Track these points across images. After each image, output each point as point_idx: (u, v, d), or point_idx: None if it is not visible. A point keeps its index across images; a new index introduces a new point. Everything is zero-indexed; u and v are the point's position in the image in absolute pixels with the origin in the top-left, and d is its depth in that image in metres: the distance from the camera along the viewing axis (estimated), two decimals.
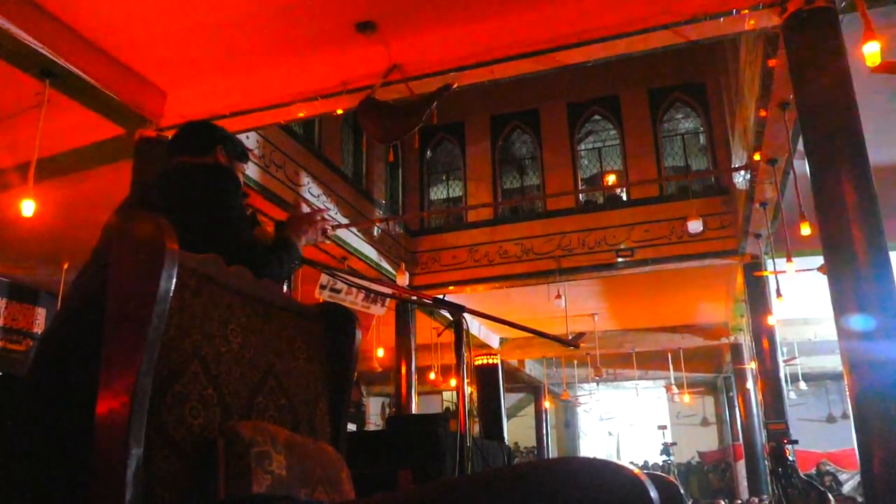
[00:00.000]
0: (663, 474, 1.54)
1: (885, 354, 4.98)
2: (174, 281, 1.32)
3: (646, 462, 21.62)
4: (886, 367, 4.94)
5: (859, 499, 10.09)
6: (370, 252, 11.05)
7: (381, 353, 11.67)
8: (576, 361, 17.58)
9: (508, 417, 21.25)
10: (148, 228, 1.33)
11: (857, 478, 15.56)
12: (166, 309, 1.32)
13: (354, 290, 7.17)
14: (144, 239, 1.32)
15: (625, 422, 24.88)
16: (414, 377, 11.43)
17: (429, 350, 14.76)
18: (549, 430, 22.07)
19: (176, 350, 1.41)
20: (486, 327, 16.78)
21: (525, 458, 22.76)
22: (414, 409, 11.05)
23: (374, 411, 20.77)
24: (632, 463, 22.64)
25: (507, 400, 20.65)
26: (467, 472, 2.31)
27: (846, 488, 15.83)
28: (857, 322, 5.10)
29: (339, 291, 7.26)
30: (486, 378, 4.22)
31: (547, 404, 20.72)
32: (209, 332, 1.52)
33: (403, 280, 9.62)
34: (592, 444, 25.68)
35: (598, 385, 20.22)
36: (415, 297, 2.92)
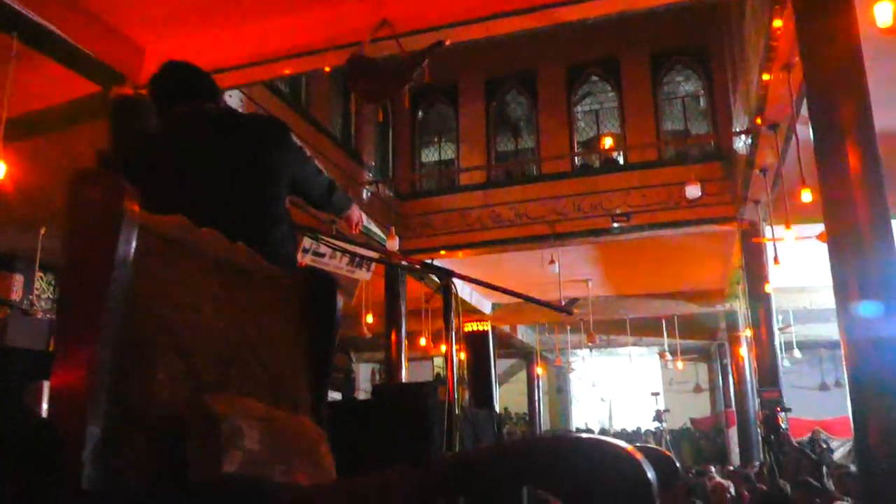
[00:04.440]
0: (659, 448, 1.43)
1: (885, 325, 4.93)
2: (134, 245, 1.19)
3: (638, 428, 21.77)
4: (885, 338, 4.89)
5: (851, 466, 10.15)
6: None
7: (370, 319, 11.58)
8: (569, 328, 17.56)
9: (500, 383, 21.32)
10: (104, 189, 1.20)
11: (849, 445, 15.70)
12: (127, 276, 1.20)
13: (339, 254, 6.99)
14: (99, 201, 1.19)
15: (617, 388, 25.01)
16: (404, 343, 11.35)
17: (419, 315, 14.72)
18: (541, 395, 22.17)
19: (141, 320, 1.29)
20: (478, 293, 16.70)
21: (516, 425, 22.93)
22: (404, 376, 11.01)
23: (364, 377, 20.76)
24: (624, 431, 22.84)
25: (498, 366, 20.71)
26: (455, 443, 2.22)
27: (837, 455, 15.96)
28: (857, 292, 5.04)
29: (322, 255, 7.09)
30: (476, 345, 4.14)
31: (539, 370, 20.77)
32: (179, 302, 1.40)
33: (394, 244, 9.49)
34: (585, 410, 25.83)
35: (591, 351, 20.27)
36: (402, 262, 2.81)
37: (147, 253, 1.31)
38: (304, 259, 7.11)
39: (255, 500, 1.03)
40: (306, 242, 6.82)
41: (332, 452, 1.57)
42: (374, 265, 7.56)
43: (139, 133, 2.21)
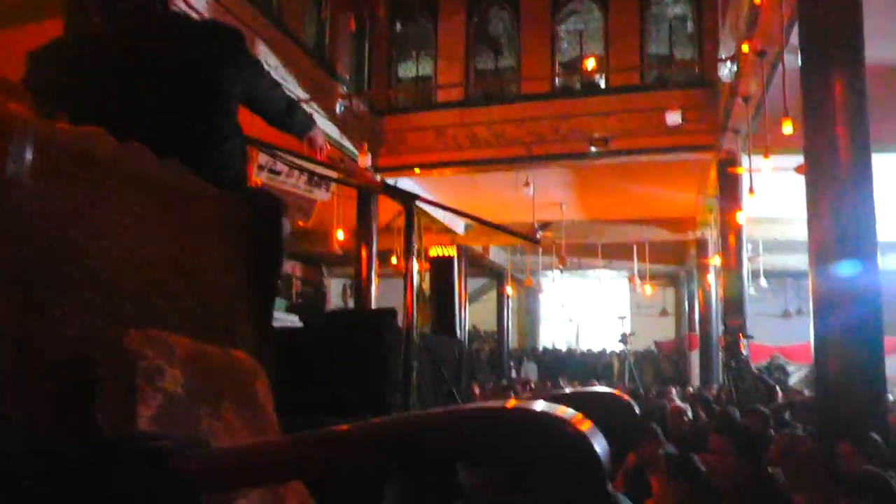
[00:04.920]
0: (618, 393, 1.33)
1: (854, 258, 4.96)
2: (28, 162, 1.03)
3: (603, 349, 22.25)
4: (853, 271, 4.93)
5: (806, 392, 10.47)
6: (331, 130, 10.53)
7: (340, 235, 11.43)
8: (541, 250, 17.57)
9: (470, 302, 21.50)
10: None
11: (805, 371, 16.20)
12: (20, 198, 1.03)
13: (296, 172, 6.67)
14: None
15: (586, 310, 25.43)
16: (375, 261, 11.24)
17: (392, 233, 14.59)
18: (511, 315, 22.44)
19: (43, 248, 1.14)
20: (452, 211, 16.57)
21: (485, 343, 23.30)
22: (374, 294, 10.94)
23: (336, 292, 20.76)
24: (589, 351, 23.33)
25: (469, 285, 20.82)
26: (413, 376, 2.12)
27: (793, 380, 16.50)
28: (831, 226, 5.04)
29: (278, 173, 6.76)
30: (441, 270, 4.05)
31: (509, 290, 20.94)
32: (94, 227, 1.24)
33: (365, 161, 9.24)
34: (552, 330, 26.31)
35: (561, 273, 20.41)
36: (362, 183, 2.66)
37: (52, 171, 1.15)
38: (260, 177, 6.81)
39: (152, 465, 0.91)
40: (262, 159, 6.50)
41: (272, 389, 1.46)
42: (333, 185, 7.25)
43: (73, 33, 1.97)
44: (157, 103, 1.73)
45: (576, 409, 1.43)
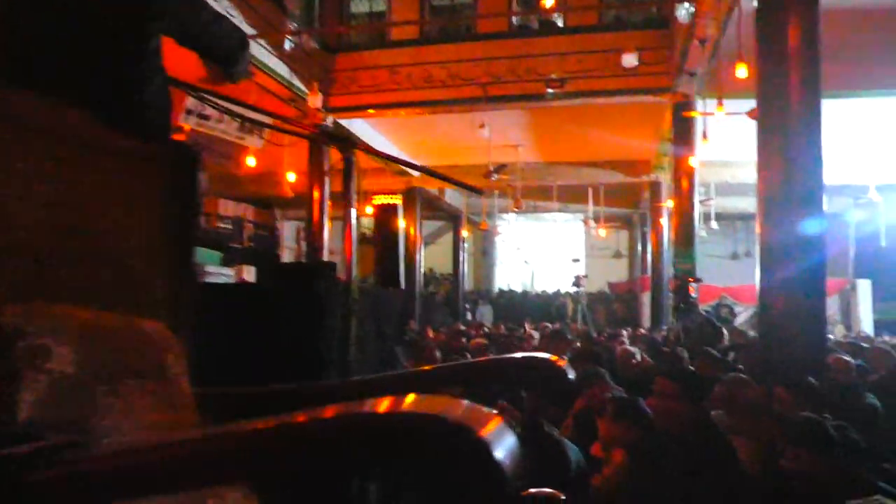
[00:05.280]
0: (554, 359, 1.26)
1: (800, 202, 5.01)
2: None
3: (558, 290, 22.53)
4: (799, 214, 4.99)
5: (751, 332, 10.75)
6: (280, 68, 10.14)
7: (291, 177, 11.15)
8: (496, 192, 17.54)
9: (426, 245, 21.44)
10: None
11: (751, 311, 16.67)
12: None
13: (227, 117, 6.30)
14: None
15: (540, 252, 25.64)
16: (327, 203, 11.01)
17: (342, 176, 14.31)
18: (467, 257, 22.50)
19: None
20: (407, 153, 16.35)
21: (441, 285, 23.38)
22: (327, 237, 10.74)
23: (289, 235, 20.46)
24: (544, 293, 23.57)
25: (425, 227, 20.74)
26: (351, 334, 2.03)
27: (740, 319, 16.96)
28: (780, 170, 5.08)
29: (208, 119, 6.37)
30: (385, 219, 3.91)
31: (465, 233, 20.93)
32: None
33: (316, 101, 8.93)
34: (508, 272, 26.51)
35: (517, 216, 20.44)
36: (296, 129, 2.51)
37: None
38: (188, 123, 6.40)
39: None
40: (190, 103, 6.08)
41: (193, 355, 1.36)
42: (266, 131, 6.89)
43: None
44: (68, 40, 1.56)
45: (513, 375, 1.37)
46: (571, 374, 1.11)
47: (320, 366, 2.03)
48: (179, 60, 2.07)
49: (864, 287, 17.99)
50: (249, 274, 17.26)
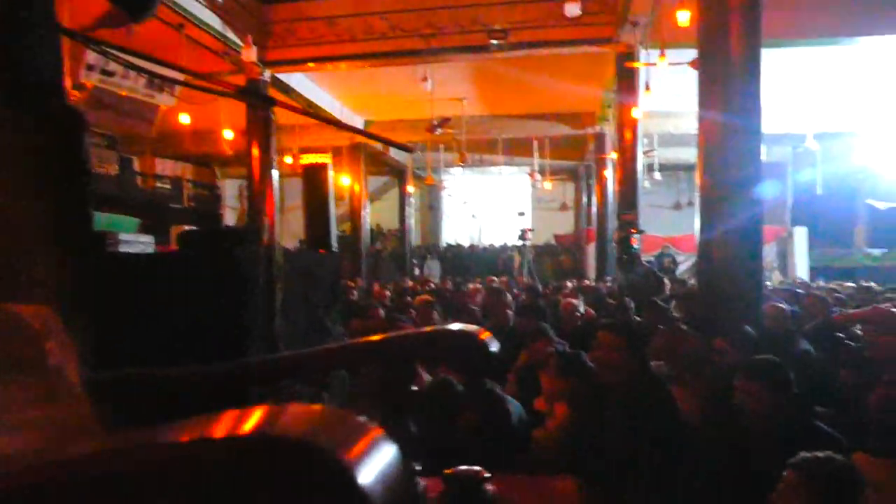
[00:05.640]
0: (471, 329, 1.16)
1: (739, 151, 5.04)
2: None
3: (504, 244, 22.62)
4: (738, 164, 5.02)
5: (691, 280, 10.97)
6: (212, 20, 9.68)
7: (229, 134, 10.76)
8: (442, 146, 17.36)
9: (372, 200, 21.19)
10: None
11: (693, 260, 17.07)
12: None
13: (134, 73, 5.83)
14: None
15: (487, 206, 25.66)
16: (274, 159, 10.63)
17: (286, 131, 13.94)
18: (413, 212, 22.36)
19: None
20: (349, 108, 16.00)
21: (387, 240, 23.23)
22: (270, 195, 10.44)
23: (231, 194, 19.92)
24: (491, 246, 23.67)
25: (371, 183, 20.46)
26: (276, 305, 1.91)
27: (682, 269, 17.34)
28: (720, 119, 5.08)
29: (112, 74, 5.89)
30: (314, 179, 3.70)
31: (411, 188, 20.75)
32: None
33: (251, 54, 8.56)
34: (455, 227, 26.50)
35: (463, 170, 20.33)
36: (213, 86, 2.34)
37: None
38: (90, 79, 5.89)
39: None
40: (91, 57, 5.54)
41: (71, 345, 1.22)
42: (178, 88, 6.43)
43: None
44: None
45: (432, 350, 1.28)
46: (494, 347, 1.03)
47: (243, 340, 1.90)
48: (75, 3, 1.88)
49: (801, 234, 18.55)
50: None
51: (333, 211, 2.62)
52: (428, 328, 1.09)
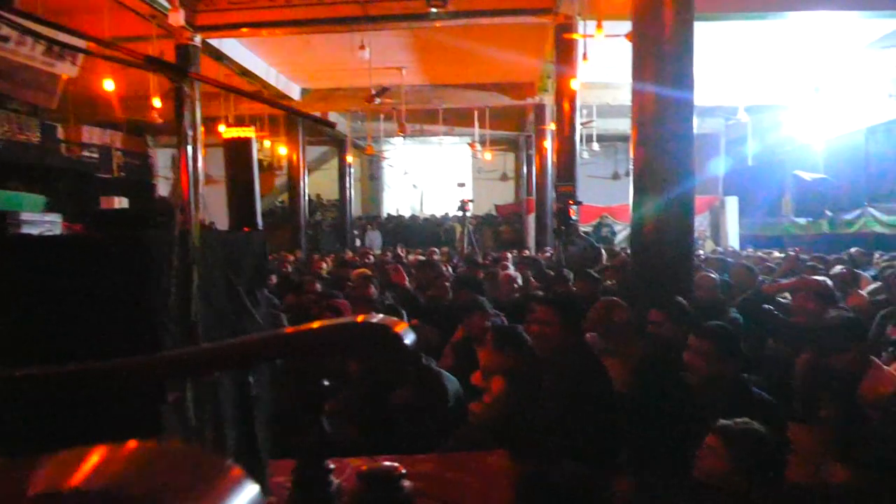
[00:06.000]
0: (385, 322, 1.11)
1: (672, 123, 5.09)
2: None
3: (446, 214, 22.63)
4: (671, 135, 5.08)
5: (627, 250, 11.16)
6: None
7: (157, 102, 10.36)
8: (382, 116, 17.14)
9: (311, 171, 20.84)
10: None
11: (629, 230, 17.42)
12: None
13: (31, 39, 5.40)
14: None
15: (428, 176, 25.56)
16: (200, 130, 10.31)
17: (219, 98, 13.54)
18: (353, 183, 22.11)
19: None
20: (285, 76, 15.60)
21: (327, 211, 22.94)
22: (201, 167, 10.10)
23: (164, 164, 19.24)
24: (433, 217, 23.62)
25: (309, 153, 20.11)
26: (192, 294, 1.80)
27: (619, 238, 17.65)
28: (652, 90, 5.12)
29: (6, 40, 5.46)
30: (237, 154, 3.51)
31: (350, 158, 20.47)
32: None
33: (178, 18, 8.18)
34: (396, 197, 26.34)
35: (403, 140, 20.14)
36: (119, 55, 2.20)
37: None
38: None
39: None
40: None
41: None
42: (82, 57, 5.98)
43: None
44: None
45: (341, 345, 1.22)
46: (409, 340, 0.98)
47: (154, 332, 1.78)
48: None
49: (732, 204, 19.09)
50: (121, 206, 16.27)
51: (258, 186, 2.50)
52: (340, 320, 1.03)
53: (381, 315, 1.07)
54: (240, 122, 14.01)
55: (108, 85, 9.50)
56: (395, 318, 1.05)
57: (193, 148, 2.07)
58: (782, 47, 13.28)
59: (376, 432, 3.21)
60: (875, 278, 7.07)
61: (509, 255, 11.44)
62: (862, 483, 2.20)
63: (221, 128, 11.18)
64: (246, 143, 2.62)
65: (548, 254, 11.93)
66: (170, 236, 1.90)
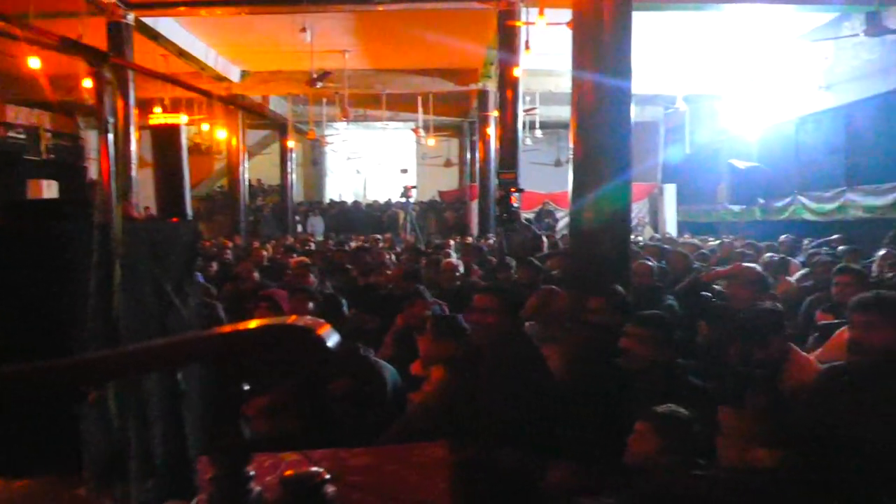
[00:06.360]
0: (306, 324, 1.07)
1: (610, 111, 5.15)
2: None
3: (388, 200, 22.48)
4: (610, 123, 5.13)
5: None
6: None
7: (88, 82, 9.95)
8: (324, 100, 16.88)
9: (251, 155, 20.42)
10: None
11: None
12: None
13: None
14: None
15: (372, 162, 25.33)
16: (133, 111, 9.95)
17: (154, 80, 13.10)
18: (295, 168, 21.75)
19: None
20: (224, 58, 15.21)
21: (268, 196, 22.54)
22: (134, 150, 9.79)
23: (96, 146, 18.57)
24: (376, 202, 23.47)
25: (250, 137, 19.70)
26: (114, 293, 1.72)
27: (561, 224, 17.83)
28: (592, 78, 5.16)
29: None
30: (164, 141, 3.34)
31: (292, 143, 20.12)
32: None
33: None
34: (339, 183, 26.05)
35: (347, 125, 19.90)
36: (31, 36, 2.06)
37: None
38: None
39: None
40: None
41: None
42: None
43: None
44: None
45: (257, 350, 1.17)
46: (331, 342, 0.95)
47: (69, 333, 1.68)
48: None
49: (670, 191, 19.52)
50: (51, 189, 15.56)
51: (188, 175, 2.42)
52: (261, 322, 0.99)
53: (307, 317, 1.02)
54: (176, 105, 13.62)
55: (34, 63, 9.08)
56: (320, 320, 1.01)
57: (115, 135, 1.98)
58: (719, 38, 13.59)
59: (314, 425, 3.16)
60: (804, 264, 7.32)
61: (452, 243, 11.45)
62: (784, 467, 2.27)
63: (158, 109, 10.84)
64: (174, 129, 2.53)
65: (491, 241, 11.99)
66: (90, 228, 1.81)
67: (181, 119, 2.61)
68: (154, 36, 11.73)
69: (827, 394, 2.60)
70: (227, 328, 1.00)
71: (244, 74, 16.21)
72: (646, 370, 3.16)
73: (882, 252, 6.76)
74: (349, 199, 24.61)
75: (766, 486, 2.23)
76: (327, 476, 1.13)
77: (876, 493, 2.11)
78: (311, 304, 4.24)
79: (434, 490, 2.12)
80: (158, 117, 2.56)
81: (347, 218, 21.39)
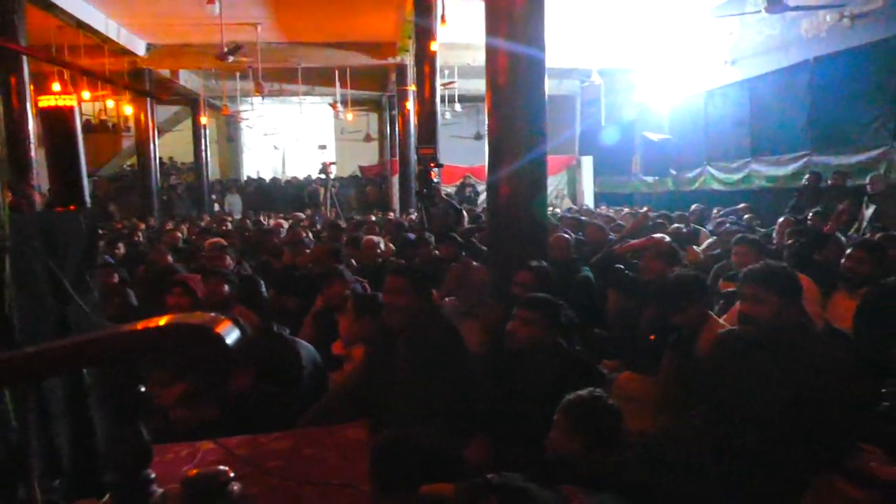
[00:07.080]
0: (204, 321, 1.04)
1: (524, 85, 5.17)
2: None
3: (308, 176, 22.09)
4: (524, 97, 5.15)
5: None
6: None
7: None
8: (238, 74, 16.36)
9: (162, 132, 19.65)
10: None
11: None
12: None
13: None
14: None
15: (290, 137, 24.79)
16: (28, 87, 9.33)
17: (57, 53, 12.44)
18: (210, 145, 21.03)
19: None
20: (129, 30, 14.51)
21: (182, 174, 21.77)
22: (32, 130, 9.20)
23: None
24: (295, 179, 23.05)
25: (160, 113, 18.93)
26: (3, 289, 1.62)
27: (481, 199, 17.96)
28: (505, 48, 5.16)
29: None
30: (56, 125, 3.13)
31: (205, 119, 19.44)
32: None
33: None
34: (256, 159, 25.41)
35: (262, 100, 19.36)
36: None
37: None
38: None
39: None
40: None
41: None
42: None
43: None
44: None
45: (157, 348, 1.13)
46: (231, 339, 0.93)
47: None
48: None
49: (587, 163, 19.94)
50: None
51: (83, 160, 2.30)
52: (158, 320, 0.95)
53: (210, 314, 0.99)
54: (78, 79, 12.92)
55: None
56: (219, 316, 0.98)
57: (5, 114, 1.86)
58: (632, 13, 13.85)
59: (231, 412, 3.10)
60: (712, 233, 7.63)
61: (373, 218, 11.38)
62: (691, 433, 2.37)
63: (56, 86, 10.25)
64: (68, 112, 2.39)
65: (413, 216, 11.97)
66: None
67: (74, 100, 2.46)
68: (48, 6, 11.05)
69: (720, 360, 2.72)
70: (121, 329, 0.96)
71: (150, 48, 15.51)
72: (532, 350, 3.20)
73: (780, 220, 7.11)
74: (267, 176, 24.05)
75: (675, 454, 2.32)
76: (231, 475, 1.11)
77: (770, 455, 2.23)
78: (226, 288, 4.12)
79: (353, 472, 2.13)
80: (49, 99, 2.41)
81: (266, 195, 20.90)
